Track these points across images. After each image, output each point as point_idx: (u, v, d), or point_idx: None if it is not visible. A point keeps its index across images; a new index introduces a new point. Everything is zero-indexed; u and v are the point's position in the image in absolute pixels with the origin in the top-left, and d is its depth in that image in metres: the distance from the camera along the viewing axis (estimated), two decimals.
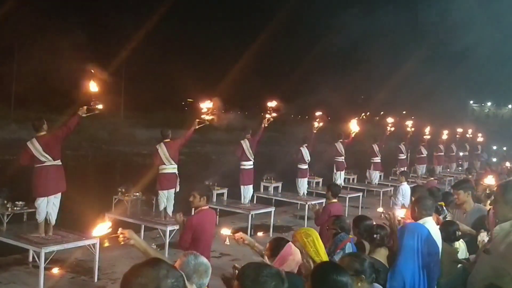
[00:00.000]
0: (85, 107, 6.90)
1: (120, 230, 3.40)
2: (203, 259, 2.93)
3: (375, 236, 4.41)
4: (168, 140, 8.95)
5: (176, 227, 6.43)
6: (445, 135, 20.72)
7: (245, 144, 10.69)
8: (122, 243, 3.44)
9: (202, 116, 8.71)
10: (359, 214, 8.40)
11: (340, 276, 2.71)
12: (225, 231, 4.40)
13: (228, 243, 4.46)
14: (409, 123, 17.92)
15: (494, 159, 22.54)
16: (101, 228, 3.28)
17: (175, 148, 8.96)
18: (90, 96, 6.93)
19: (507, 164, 17.68)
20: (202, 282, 2.87)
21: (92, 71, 7.15)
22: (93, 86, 6.95)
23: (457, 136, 22.68)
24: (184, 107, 44.60)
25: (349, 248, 4.57)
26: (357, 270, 3.25)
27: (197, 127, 8.71)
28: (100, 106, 6.96)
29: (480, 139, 24.87)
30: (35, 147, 6.82)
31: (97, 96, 6.95)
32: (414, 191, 6.65)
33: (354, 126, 13.59)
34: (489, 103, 68.77)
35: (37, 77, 29.63)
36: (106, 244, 8.24)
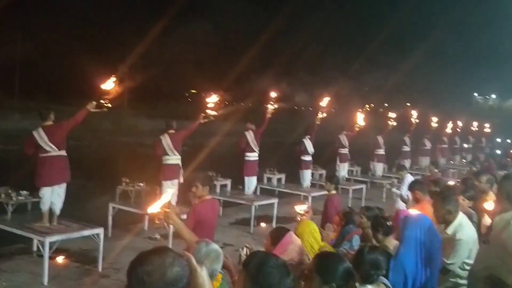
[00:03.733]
0: (95, 102, 6.80)
1: (163, 209, 3.75)
2: (214, 246, 3.00)
3: (388, 224, 4.32)
4: (173, 131, 8.97)
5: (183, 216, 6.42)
6: (449, 128, 20.66)
7: (249, 135, 10.70)
8: (165, 222, 3.99)
9: (207, 111, 8.70)
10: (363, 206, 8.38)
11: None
12: (299, 208, 4.72)
13: (299, 219, 4.66)
14: (414, 113, 17.83)
15: (498, 152, 22.51)
16: (155, 206, 3.52)
17: (179, 140, 8.98)
18: (102, 92, 6.81)
19: None
20: (214, 267, 2.94)
21: (122, 72, 7.03)
22: (108, 84, 6.81)
23: (458, 129, 22.61)
24: (188, 98, 44.60)
25: (356, 240, 4.56)
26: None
27: (202, 121, 8.72)
28: (109, 105, 6.88)
29: (487, 130, 24.80)
30: (40, 136, 6.80)
31: (109, 94, 6.82)
32: (416, 183, 6.55)
33: (360, 120, 13.47)
34: (493, 96, 68.30)
35: (41, 67, 29.66)
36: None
